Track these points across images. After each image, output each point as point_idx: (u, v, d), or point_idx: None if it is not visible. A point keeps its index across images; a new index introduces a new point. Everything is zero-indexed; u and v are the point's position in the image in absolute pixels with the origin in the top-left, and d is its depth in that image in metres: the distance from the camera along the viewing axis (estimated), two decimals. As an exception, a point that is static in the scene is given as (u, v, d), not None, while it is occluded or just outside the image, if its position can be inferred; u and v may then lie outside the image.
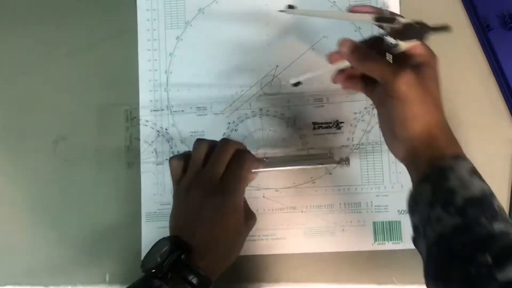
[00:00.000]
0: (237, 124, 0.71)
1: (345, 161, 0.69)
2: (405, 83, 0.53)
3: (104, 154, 0.72)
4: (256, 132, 0.71)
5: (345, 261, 0.69)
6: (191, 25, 0.73)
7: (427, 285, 0.51)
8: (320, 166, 0.70)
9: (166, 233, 0.68)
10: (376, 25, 0.58)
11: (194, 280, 0.55)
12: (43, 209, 0.71)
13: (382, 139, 0.68)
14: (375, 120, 0.71)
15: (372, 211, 0.70)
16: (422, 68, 0.55)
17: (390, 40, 0.55)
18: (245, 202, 0.63)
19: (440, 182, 0.50)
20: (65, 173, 0.72)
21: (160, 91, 0.72)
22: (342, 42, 0.58)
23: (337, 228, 0.70)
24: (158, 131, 0.71)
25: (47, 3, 0.75)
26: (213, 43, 0.73)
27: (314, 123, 0.71)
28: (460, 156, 0.52)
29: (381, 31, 0.58)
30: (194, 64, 0.73)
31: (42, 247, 0.71)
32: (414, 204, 0.53)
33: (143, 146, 0.71)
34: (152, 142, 0.71)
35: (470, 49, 0.72)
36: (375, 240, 0.69)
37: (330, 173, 0.70)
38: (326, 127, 0.71)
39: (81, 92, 0.73)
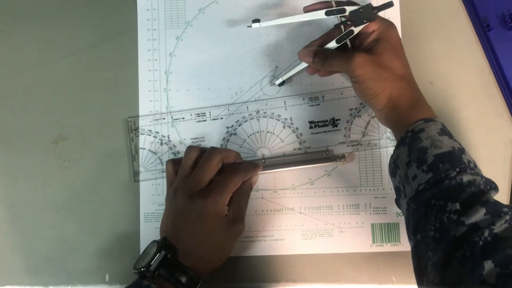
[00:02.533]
0: (236, 128, 0.71)
1: (342, 158, 0.70)
2: (357, 67, 0.59)
3: (104, 154, 0.72)
4: (254, 134, 0.71)
5: (345, 262, 0.69)
6: (191, 25, 0.73)
7: (409, 240, 0.55)
8: (318, 165, 0.70)
9: (163, 234, 0.69)
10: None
11: (183, 279, 0.58)
12: (43, 209, 0.71)
13: (381, 140, 0.69)
14: (373, 120, 0.71)
15: (370, 213, 0.70)
16: (377, 44, 0.61)
17: (342, 28, 0.64)
18: (239, 209, 0.65)
19: (414, 144, 0.55)
20: (65, 173, 0.72)
21: (160, 91, 0.72)
22: (304, 53, 0.66)
23: (335, 229, 0.70)
24: (160, 140, 0.72)
25: (47, 3, 0.75)
26: (213, 43, 0.73)
27: (310, 122, 0.71)
28: (430, 119, 0.56)
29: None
30: (194, 64, 0.73)
31: (42, 247, 0.71)
32: (395, 167, 0.57)
33: (148, 156, 0.71)
34: (156, 151, 0.71)
35: (470, 49, 0.72)
36: (374, 241, 0.69)
37: (329, 175, 0.70)
38: (323, 125, 0.71)
39: (81, 92, 0.73)
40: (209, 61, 0.73)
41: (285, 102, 0.72)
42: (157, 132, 0.72)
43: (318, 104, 0.72)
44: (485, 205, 0.48)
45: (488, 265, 0.44)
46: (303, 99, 0.72)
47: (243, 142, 0.71)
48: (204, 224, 0.61)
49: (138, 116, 0.72)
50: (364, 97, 0.61)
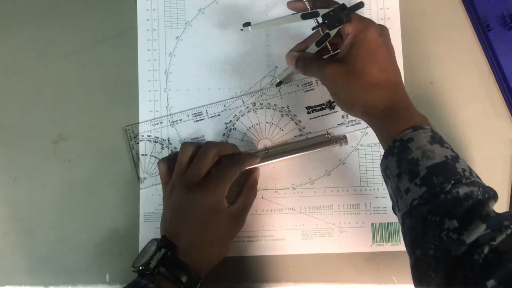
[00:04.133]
0: (234, 123, 0.71)
1: (343, 139, 0.70)
2: (328, 78, 0.58)
3: (104, 154, 0.72)
4: (254, 126, 0.72)
5: (345, 261, 0.69)
6: (191, 25, 0.73)
7: (408, 254, 0.52)
8: (320, 149, 0.70)
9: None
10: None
11: (183, 278, 0.57)
12: (43, 209, 0.71)
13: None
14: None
15: (370, 213, 0.70)
16: (350, 50, 0.58)
17: (320, 31, 0.62)
18: (244, 204, 0.65)
19: (403, 154, 0.52)
20: (65, 173, 0.72)
21: (160, 91, 0.72)
22: (288, 58, 0.65)
23: (335, 229, 0.70)
24: (161, 144, 0.72)
25: (47, 3, 0.74)
26: (213, 43, 0.73)
27: (307, 108, 0.72)
28: (419, 127, 0.53)
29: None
30: (194, 64, 0.73)
31: (42, 247, 0.71)
32: (386, 177, 0.55)
33: (150, 161, 0.71)
34: (158, 155, 0.71)
35: (470, 49, 0.72)
36: (374, 241, 0.69)
37: (329, 174, 0.70)
38: (320, 109, 0.71)
39: (81, 92, 0.73)
40: (209, 61, 0.73)
41: (279, 91, 0.72)
42: (157, 137, 0.72)
43: (313, 89, 0.72)
44: (485, 221, 0.45)
45: (491, 284, 0.42)
46: (297, 86, 0.72)
47: (243, 135, 0.71)
48: (204, 217, 0.61)
49: (136, 124, 0.72)
50: (341, 108, 0.60)
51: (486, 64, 0.72)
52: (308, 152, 0.70)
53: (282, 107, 0.72)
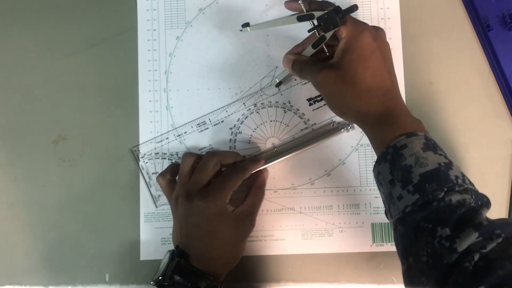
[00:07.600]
0: (239, 127, 0.71)
1: (349, 125, 0.70)
2: (321, 85, 0.58)
3: (104, 154, 0.72)
4: (259, 127, 0.72)
5: (345, 261, 0.69)
6: (191, 25, 0.73)
7: (400, 260, 0.53)
8: (328, 139, 0.70)
9: (164, 233, 0.70)
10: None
11: (201, 284, 0.58)
12: (43, 209, 0.71)
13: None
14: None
15: (370, 213, 0.70)
16: (343, 56, 0.57)
17: (317, 33, 0.61)
18: (251, 206, 0.65)
19: (396, 161, 0.52)
20: (65, 173, 0.72)
21: (160, 91, 0.72)
22: (284, 61, 0.65)
23: (335, 229, 0.70)
24: (170, 160, 0.71)
25: (47, 3, 0.74)
26: (213, 43, 0.73)
27: (308, 100, 0.72)
28: (412, 133, 0.53)
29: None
30: (194, 64, 0.73)
31: (42, 247, 0.71)
32: (379, 182, 0.55)
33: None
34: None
35: (470, 49, 0.72)
36: (374, 241, 0.69)
37: (329, 175, 0.70)
38: (321, 99, 0.72)
39: (81, 92, 0.73)
40: (209, 61, 0.73)
41: (278, 88, 0.72)
42: (164, 153, 0.71)
43: None
44: (478, 229, 0.46)
45: None
46: (295, 80, 0.72)
47: (250, 137, 0.71)
48: (209, 224, 0.60)
49: (141, 143, 0.72)
50: (334, 113, 0.60)
51: (486, 64, 0.72)
52: (317, 143, 0.70)
53: (284, 103, 0.72)
